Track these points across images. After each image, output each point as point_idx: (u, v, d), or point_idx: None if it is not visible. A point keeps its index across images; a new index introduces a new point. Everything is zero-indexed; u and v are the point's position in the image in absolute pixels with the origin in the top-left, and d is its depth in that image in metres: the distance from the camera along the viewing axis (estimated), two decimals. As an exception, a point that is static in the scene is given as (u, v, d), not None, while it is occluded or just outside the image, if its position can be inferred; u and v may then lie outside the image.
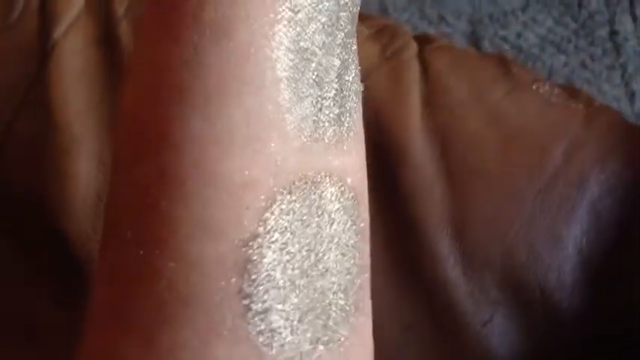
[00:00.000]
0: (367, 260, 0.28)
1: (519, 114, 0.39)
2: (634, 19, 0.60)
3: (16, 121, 0.44)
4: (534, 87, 0.40)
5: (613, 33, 0.60)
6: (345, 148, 0.27)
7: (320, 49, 0.26)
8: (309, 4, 0.26)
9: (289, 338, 0.26)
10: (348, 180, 0.27)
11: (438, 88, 0.40)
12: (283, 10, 0.26)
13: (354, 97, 0.28)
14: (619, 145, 0.41)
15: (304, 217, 0.26)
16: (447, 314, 0.38)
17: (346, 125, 0.27)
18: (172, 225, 0.25)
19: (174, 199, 0.25)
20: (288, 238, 0.26)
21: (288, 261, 0.26)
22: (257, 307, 0.25)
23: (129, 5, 0.44)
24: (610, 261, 0.39)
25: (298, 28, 0.26)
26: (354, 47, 0.28)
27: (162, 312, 0.25)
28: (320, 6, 0.26)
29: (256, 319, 0.25)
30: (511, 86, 0.40)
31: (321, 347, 0.26)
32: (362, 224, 0.28)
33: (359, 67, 0.28)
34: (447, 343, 0.39)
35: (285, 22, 0.26)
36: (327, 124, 0.27)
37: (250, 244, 0.25)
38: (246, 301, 0.25)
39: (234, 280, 0.25)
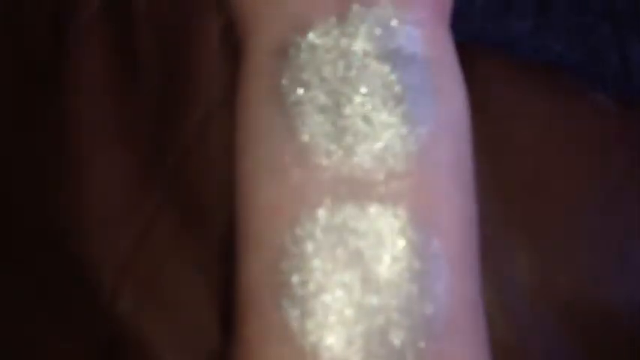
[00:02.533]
0: (444, 291, 0.29)
1: (575, 122, 0.38)
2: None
3: (26, 135, 0.42)
4: (588, 95, 0.39)
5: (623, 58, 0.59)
6: (397, 175, 0.29)
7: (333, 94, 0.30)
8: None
9: (331, 351, 0.28)
10: (401, 205, 0.29)
11: (484, 94, 0.38)
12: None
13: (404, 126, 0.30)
14: None
15: (338, 236, 0.29)
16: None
17: (392, 155, 0.29)
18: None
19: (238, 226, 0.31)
20: (318, 255, 0.29)
21: (322, 275, 0.28)
22: (296, 314, 0.28)
23: (150, 5, 0.41)
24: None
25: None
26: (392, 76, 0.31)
27: None
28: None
29: (295, 324, 0.28)
30: (563, 94, 0.39)
31: None
32: (425, 249, 0.29)
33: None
34: None
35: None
36: (361, 156, 0.29)
37: (281, 257, 0.29)
38: (284, 307, 0.28)
39: (275, 288, 0.29)
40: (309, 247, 0.28)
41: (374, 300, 0.28)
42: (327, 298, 0.28)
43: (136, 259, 0.41)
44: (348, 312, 0.28)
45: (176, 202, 0.41)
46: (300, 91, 0.30)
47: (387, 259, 0.28)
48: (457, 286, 0.29)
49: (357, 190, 0.29)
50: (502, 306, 0.38)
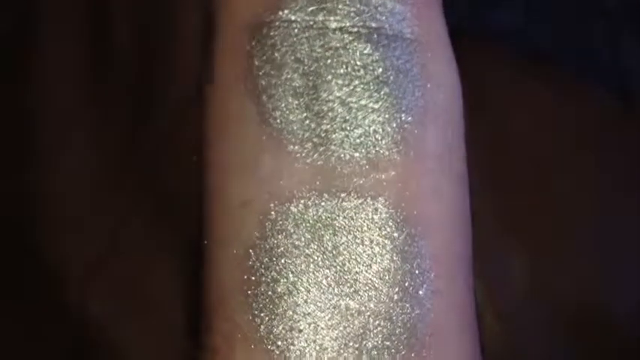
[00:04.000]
0: (429, 294, 0.27)
1: (574, 117, 0.37)
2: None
3: None
4: (587, 90, 0.38)
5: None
6: (378, 165, 0.27)
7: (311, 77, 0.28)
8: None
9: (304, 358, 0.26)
10: (382, 198, 0.27)
11: (479, 85, 0.37)
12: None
13: (385, 114, 0.28)
14: None
15: (314, 231, 0.27)
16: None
17: (373, 143, 0.27)
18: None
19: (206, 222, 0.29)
20: (290, 253, 0.27)
21: (294, 275, 0.27)
22: (265, 316, 0.26)
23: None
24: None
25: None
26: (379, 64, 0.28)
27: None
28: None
29: (264, 328, 0.26)
30: (561, 87, 0.38)
31: None
32: (408, 247, 0.27)
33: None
34: None
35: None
36: (338, 144, 0.27)
37: (249, 254, 0.27)
38: (254, 308, 0.26)
39: (243, 287, 0.27)
40: (281, 243, 0.27)
41: (350, 303, 0.26)
42: (298, 299, 0.26)
43: (106, 258, 0.39)
44: (322, 315, 0.26)
45: (149, 198, 0.40)
46: (273, 72, 0.28)
47: (365, 258, 0.26)
48: (444, 289, 0.27)
49: (333, 181, 0.27)
50: (495, 310, 0.36)
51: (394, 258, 0.26)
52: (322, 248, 0.26)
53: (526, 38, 0.53)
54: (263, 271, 0.26)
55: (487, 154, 0.37)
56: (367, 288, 0.26)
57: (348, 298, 0.26)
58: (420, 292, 0.26)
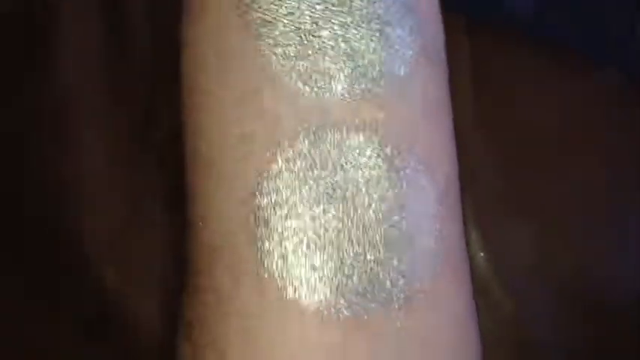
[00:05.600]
0: (435, 227, 0.27)
1: (580, 99, 0.37)
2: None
3: (5, 109, 0.40)
4: (594, 74, 0.38)
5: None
6: (377, 102, 0.27)
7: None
8: None
9: (315, 293, 0.26)
10: (381, 132, 0.27)
11: (486, 67, 0.37)
12: None
13: (383, 50, 0.27)
14: None
15: (319, 167, 0.26)
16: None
17: (372, 80, 0.27)
18: (192, 187, 0.28)
19: (196, 167, 0.28)
20: (297, 189, 0.26)
21: (303, 211, 0.26)
22: (276, 253, 0.26)
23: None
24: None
25: None
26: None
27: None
28: None
29: (275, 265, 0.26)
30: (568, 69, 0.38)
31: (373, 305, 0.26)
32: (413, 183, 0.27)
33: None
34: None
35: None
36: (342, 79, 0.27)
37: (256, 193, 0.26)
38: (262, 246, 0.26)
39: (249, 230, 0.26)
40: (288, 180, 0.26)
41: (360, 237, 0.26)
42: (309, 236, 0.26)
43: (123, 232, 0.40)
44: (335, 253, 0.26)
45: (166, 176, 0.40)
46: (274, 6, 0.27)
47: (372, 193, 0.26)
48: (446, 223, 0.27)
49: (337, 117, 0.26)
50: (501, 283, 0.36)
51: (399, 192, 0.26)
52: (330, 185, 0.26)
53: (538, 22, 0.53)
54: (272, 209, 0.26)
55: (494, 132, 0.37)
56: (377, 222, 0.26)
57: (358, 232, 0.26)
58: (426, 225, 0.26)
